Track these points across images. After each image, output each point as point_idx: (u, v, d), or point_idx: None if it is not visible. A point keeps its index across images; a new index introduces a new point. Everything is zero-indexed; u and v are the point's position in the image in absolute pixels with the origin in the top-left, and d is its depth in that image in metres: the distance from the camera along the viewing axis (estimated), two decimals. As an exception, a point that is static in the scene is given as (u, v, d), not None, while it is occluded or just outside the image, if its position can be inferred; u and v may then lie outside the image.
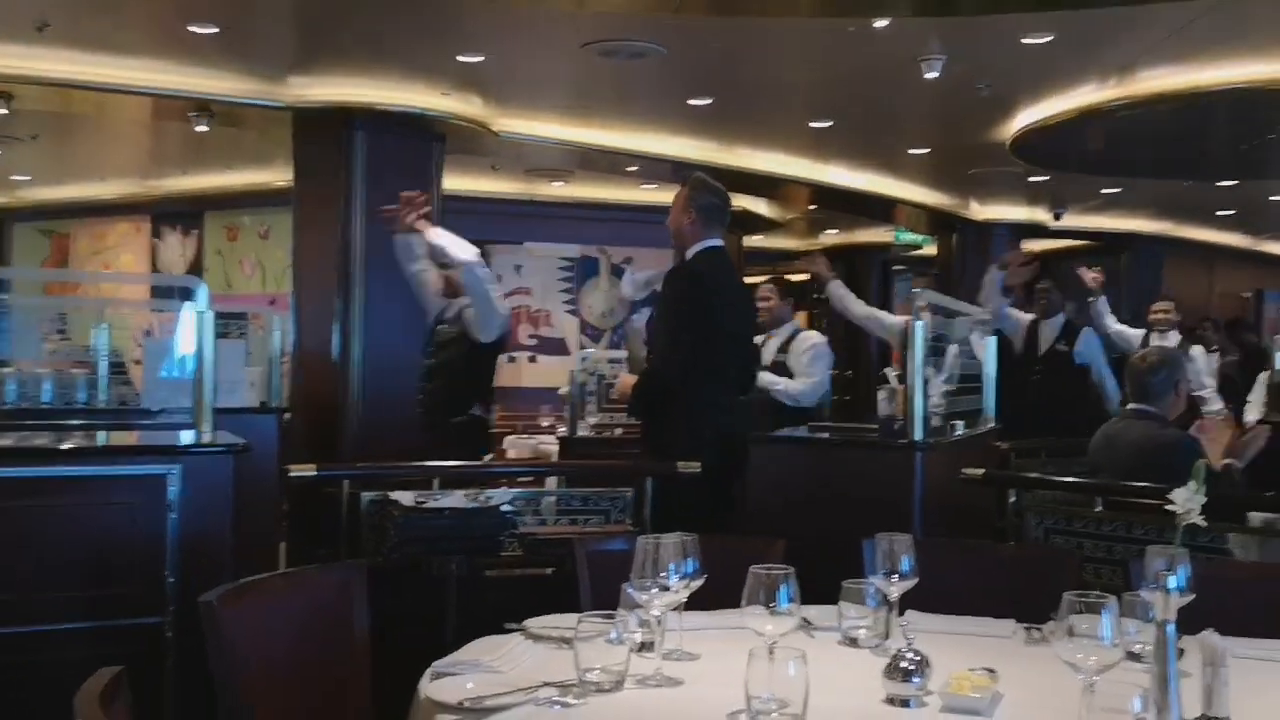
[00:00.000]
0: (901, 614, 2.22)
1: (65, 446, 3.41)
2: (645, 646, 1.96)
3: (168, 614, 3.24)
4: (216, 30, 5.55)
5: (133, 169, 9.91)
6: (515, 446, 8.34)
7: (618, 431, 6.87)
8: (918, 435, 3.69)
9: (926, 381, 3.83)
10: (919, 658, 1.75)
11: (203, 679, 2.02)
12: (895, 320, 5.96)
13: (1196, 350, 6.78)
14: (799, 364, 5.65)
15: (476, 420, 4.95)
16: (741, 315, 4.28)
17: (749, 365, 4.44)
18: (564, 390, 7.65)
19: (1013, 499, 3.76)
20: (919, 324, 3.73)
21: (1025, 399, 6.02)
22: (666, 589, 1.90)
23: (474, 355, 4.88)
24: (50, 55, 6.03)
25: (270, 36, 5.89)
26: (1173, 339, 7.21)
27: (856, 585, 2.16)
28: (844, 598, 2.17)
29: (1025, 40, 5.55)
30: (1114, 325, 6.92)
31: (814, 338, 5.90)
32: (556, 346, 11.01)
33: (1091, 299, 6.88)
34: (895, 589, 2.11)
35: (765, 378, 5.36)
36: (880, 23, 5.20)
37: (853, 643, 2.14)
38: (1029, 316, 6.47)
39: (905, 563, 2.10)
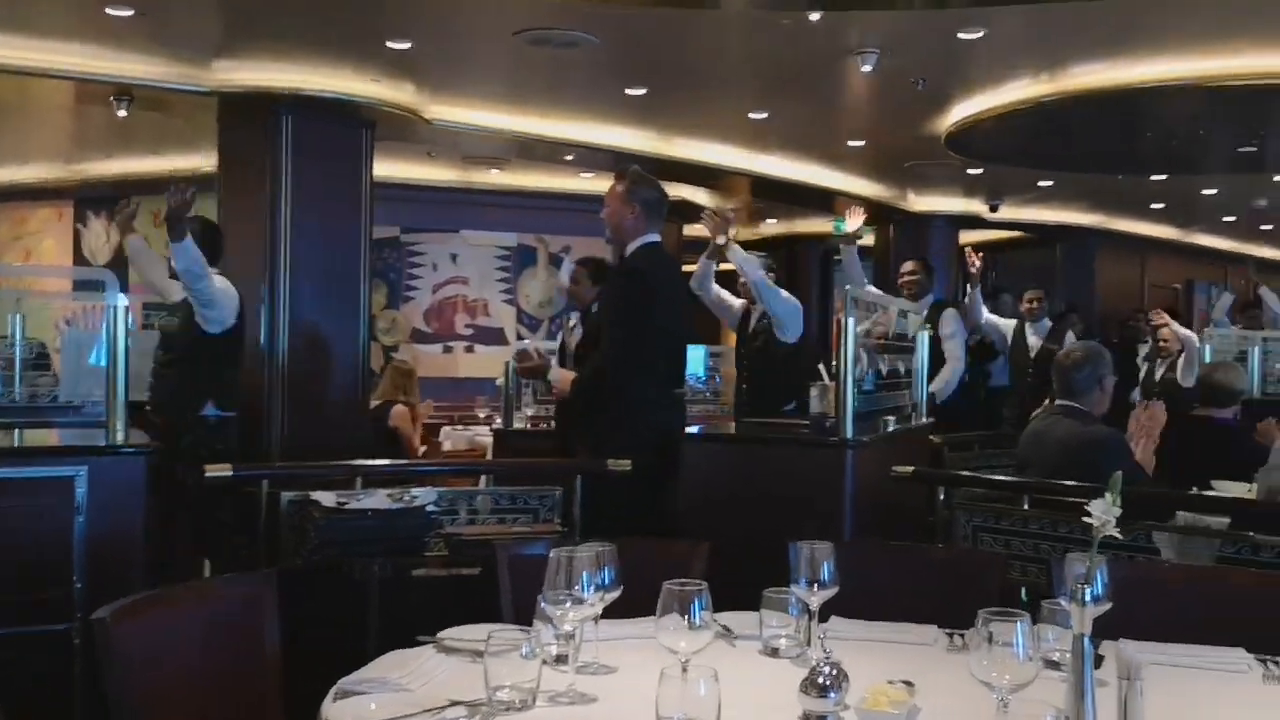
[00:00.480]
0: (826, 619, 2.20)
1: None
2: (561, 659, 1.91)
3: (75, 621, 3.14)
4: (133, 13, 5.36)
5: (55, 152, 9.60)
6: (451, 438, 8.24)
7: (553, 424, 6.80)
8: (849, 433, 3.68)
9: (861, 377, 3.84)
10: (835, 672, 1.72)
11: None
12: (737, 304, 5.81)
13: (1070, 337, 7.01)
14: None
15: (210, 420, 4.70)
16: (681, 311, 4.27)
17: (683, 360, 4.41)
18: (500, 381, 7.55)
19: (943, 496, 3.78)
20: (850, 320, 3.71)
21: None
22: (581, 602, 1.85)
23: (203, 347, 4.65)
24: (-36, 37, 5.80)
25: (191, 20, 5.70)
26: (1044, 327, 7.38)
27: (778, 594, 2.12)
28: (765, 606, 2.13)
29: (960, 35, 5.55)
30: (986, 315, 7.07)
31: None
32: (494, 336, 10.90)
33: (970, 285, 6.95)
34: (816, 598, 2.07)
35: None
36: (814, 16, 5.17)
37: (774, 653, 2.11)
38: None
39: (825, 571, 2.06)
